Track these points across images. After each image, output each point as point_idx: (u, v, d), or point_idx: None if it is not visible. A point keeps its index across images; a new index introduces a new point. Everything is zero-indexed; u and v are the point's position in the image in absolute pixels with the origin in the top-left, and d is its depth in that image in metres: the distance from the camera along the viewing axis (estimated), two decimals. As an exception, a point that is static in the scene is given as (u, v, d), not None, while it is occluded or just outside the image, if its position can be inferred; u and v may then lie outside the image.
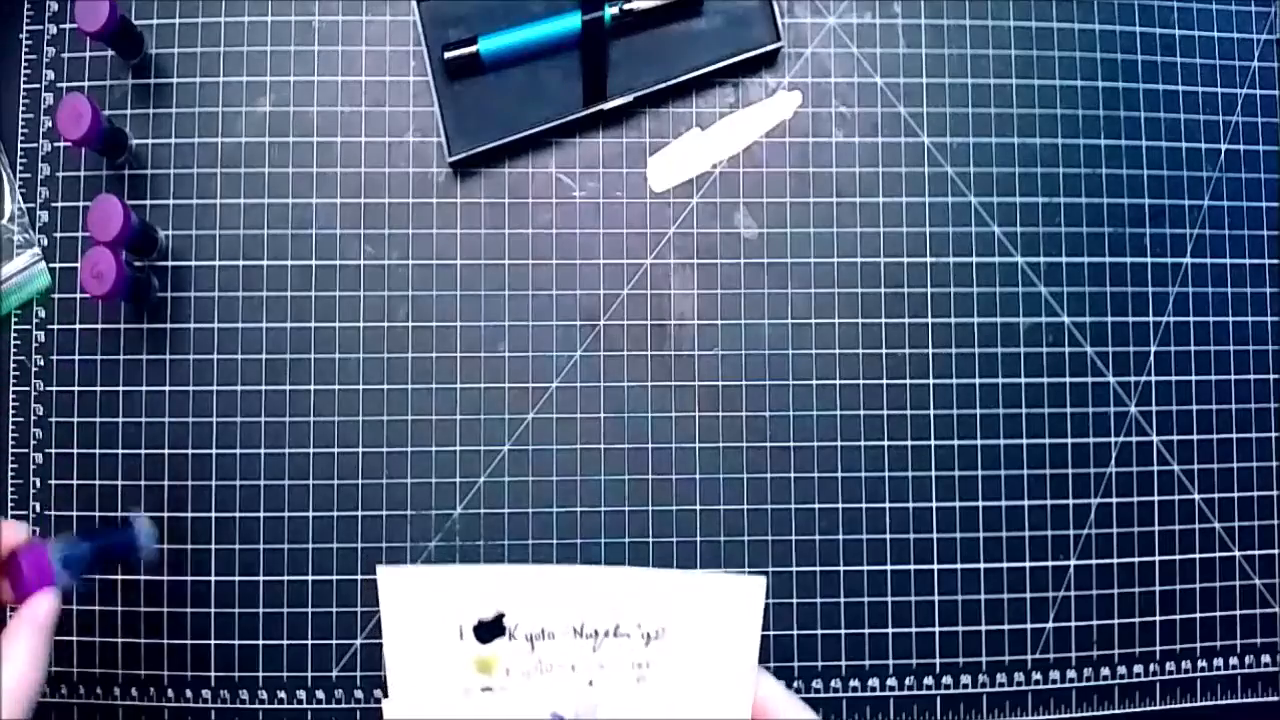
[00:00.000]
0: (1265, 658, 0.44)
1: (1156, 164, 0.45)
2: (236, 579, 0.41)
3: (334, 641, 0.41)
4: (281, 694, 0.41)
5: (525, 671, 0.34)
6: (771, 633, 0.42)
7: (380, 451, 0.42)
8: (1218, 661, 0.44)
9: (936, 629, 0.42)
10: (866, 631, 0.42)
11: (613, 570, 0.34)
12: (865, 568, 0.42)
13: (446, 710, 0.33)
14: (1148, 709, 0.43)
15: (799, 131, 0.44)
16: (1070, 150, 0.45)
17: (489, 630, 0.33)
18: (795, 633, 0.42)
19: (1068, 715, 0.43)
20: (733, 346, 0.43)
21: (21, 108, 0.43)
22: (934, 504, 0.43)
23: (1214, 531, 0.44)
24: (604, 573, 0.34)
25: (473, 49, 0.42)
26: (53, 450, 0.42)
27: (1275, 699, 0.44)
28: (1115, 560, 0.43)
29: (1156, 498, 0.44)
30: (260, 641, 0.41)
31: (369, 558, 0.42)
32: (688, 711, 0.34)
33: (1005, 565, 0.43)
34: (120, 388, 0.42)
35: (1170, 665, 0.43)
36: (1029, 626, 0.43)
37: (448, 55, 0.42)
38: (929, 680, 0.42)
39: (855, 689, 0.42)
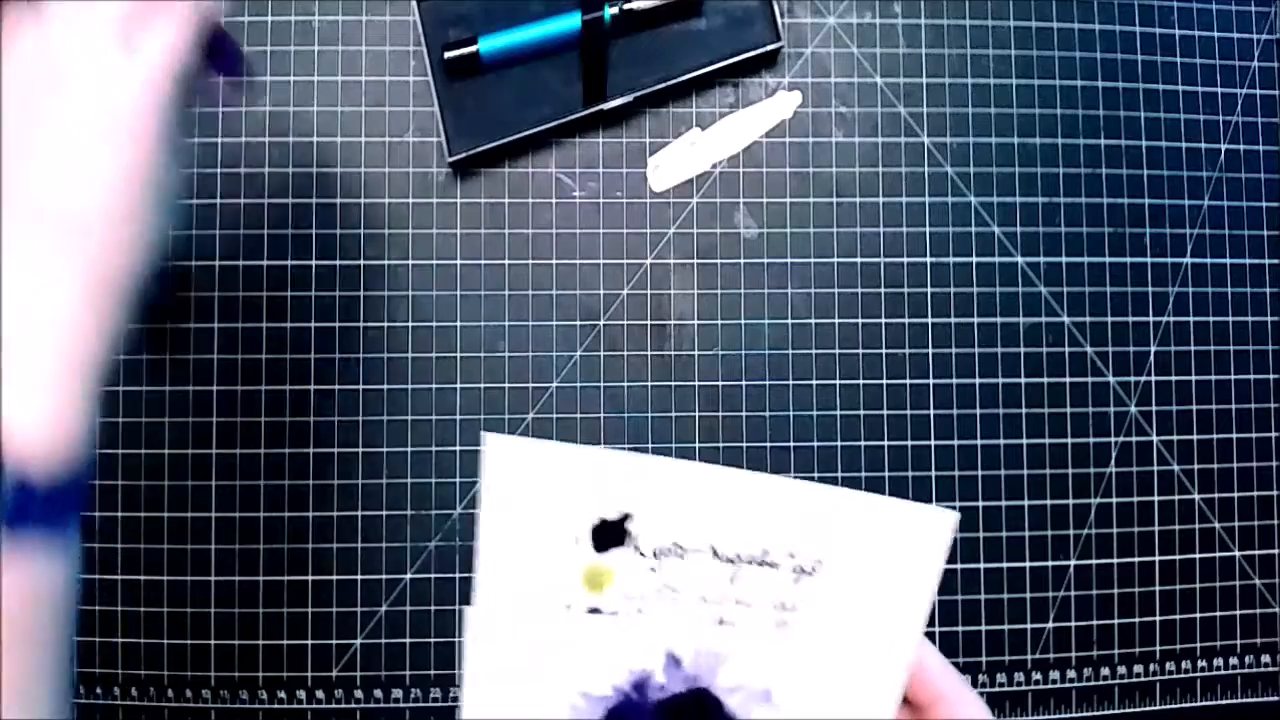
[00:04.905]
0: (1265, 658, 0.44)
1: (1156, 164, 0.45)
2: (236, 579, 0.41)
3: (334, 641, 0.41)
4: (281, 694, 0.41)
5: (644, 595, 0.27)
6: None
7: (380, 451, 0.42)
8: (1218, 661, 0.44)
9: (936, 629, 0.42)
10: (866, 631, 0.42)
11: (771, 479, 0.27)
12: (865, 568, 0.42)
13: (540, 630, 0.27)
14: (1148, 709, 0.43)
15: (799, 131, 0.44)
16: (1070, 150, 0.45)
17: (609, 535, 0.27)
18: (795, 633, 0.42)
19: (1068, 715, 0.43)
20: (733, 346, 0.43)
21: (21, 108, 0.43)
22: (934, 504, 0.43)
23: (1214, 531, 0.44)
24: (760, 480, 0.27)
25: (473, 49, 0.42)
26: (53, 450, 0.42)
27: (1275, 699, 0.44)
28: (1115, 560, 0.43)
29: (1156, 498, 0.44)
30: (260, 641, 0.41)
31: (369, 558, 0.42)
32: (831, 674, 0.28)
33: (1005, 565, 0.43)
34: (120, 387, 0.42)
35: (1170, 665, 0.43)
36: (1029, 626, 0.43)
37: (448, 55, 0.42)
38: (929, 680, 0.42)
39: (855, 689, 0.42)
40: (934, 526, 0.28)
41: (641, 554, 0.27)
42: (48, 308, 0.25)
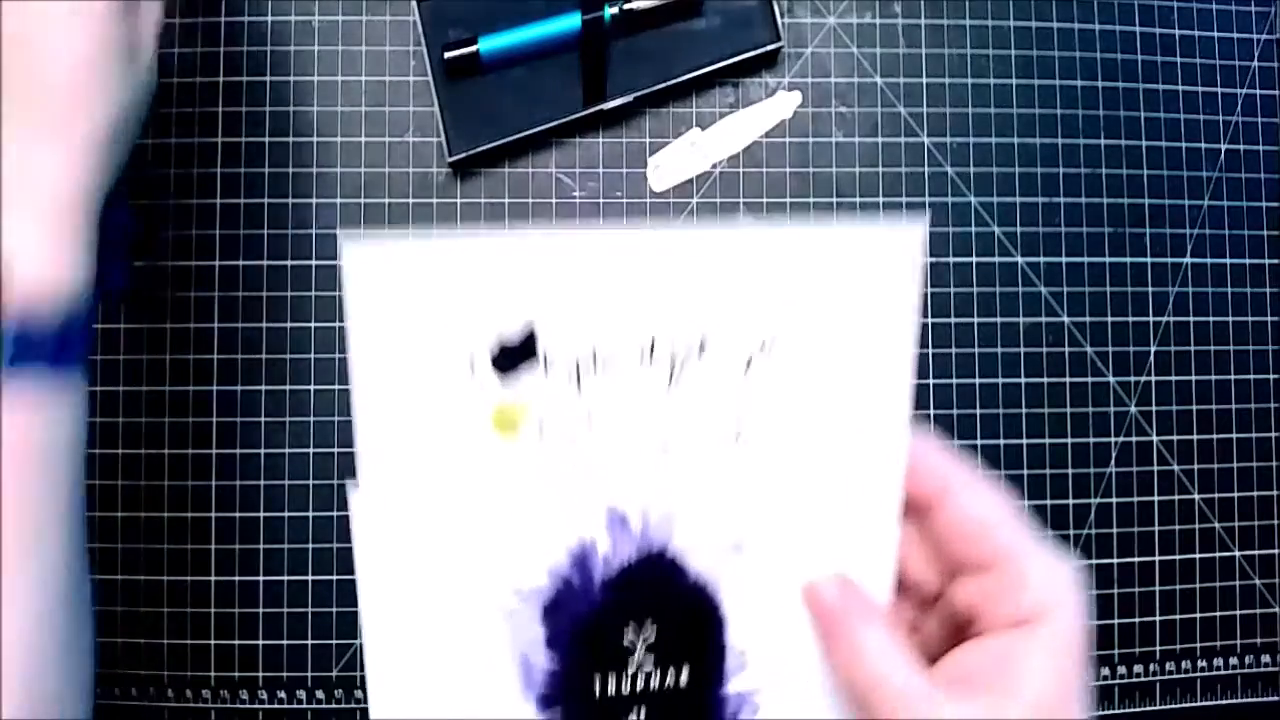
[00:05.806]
0: (1265, 658, 0.44)
1: (1156, 164, 0.45)
2: (236, 579, 0.41)
3: (334, 641, 0.41)
4: (281, 694, 0.41)
5: (567, 427, 0.21)
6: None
7: (380, 451, 0.42)
8: (1218, 661, 0.44)
9: (936, 629, 0.42)
10: (866, 631, 0.42)
11: (692, 232, 0.21)
12: (865, 568, 0.42)
13: (449, 505, 0.21)
14: (1148, 709, 0.43)
15: (799, 131, 0.44)
16: (1070, 150, 0.45)
17: (514, 353, 0.20)
18: (795, 633, 0.42)
19: (1068, 715, 0.43)
20: (733, 346, 0.43)
21: (21, 108, 0.43)
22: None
23: (1214, 531, 0.44)
24: (679, 237, 0.20)
25: (473, 49, 0.42)
26: (53, 450, 0.42)
27: (1275, 699, 0.44)
28: (1115, 560, 0.43)
29: (1156, 498, 0.44)
30: (260, 641, 0.41)
31: (369, 558, 0.41)
32: (809, 493, 0.21)
33: (1005, 565, 0.43)
34: (120, 387, 0.42)
35: (1170, 665, 0.43)
36: (1029, 626, 0.43)
37: (448, 55, 0.42)
38: (929, 680, 0.42)
39: (855, 689, 0.42)
40: (899, 249, 0.19)
41: (556, 373, 0.21)
42: (34, 165, 0.27)
